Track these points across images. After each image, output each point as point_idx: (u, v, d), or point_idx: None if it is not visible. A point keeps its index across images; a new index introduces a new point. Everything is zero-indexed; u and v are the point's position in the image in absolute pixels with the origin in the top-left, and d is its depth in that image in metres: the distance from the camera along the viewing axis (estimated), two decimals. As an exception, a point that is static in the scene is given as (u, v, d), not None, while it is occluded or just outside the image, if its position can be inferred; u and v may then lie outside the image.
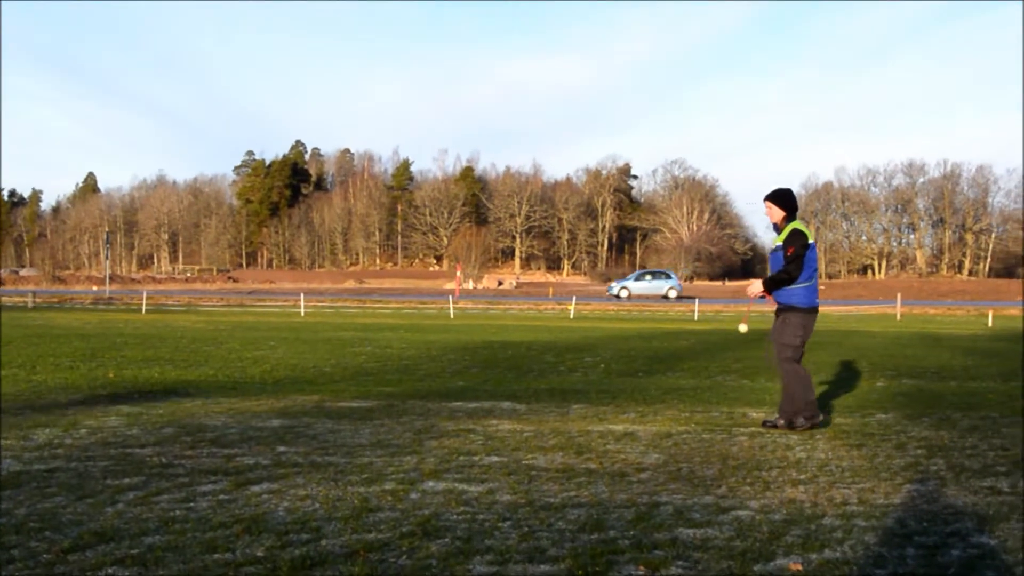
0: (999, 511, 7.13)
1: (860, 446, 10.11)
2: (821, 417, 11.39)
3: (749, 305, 13.25)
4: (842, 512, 7.09)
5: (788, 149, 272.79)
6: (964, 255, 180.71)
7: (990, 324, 47.30)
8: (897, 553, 6.03)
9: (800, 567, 5.72)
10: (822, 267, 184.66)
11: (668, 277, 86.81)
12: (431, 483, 7.94)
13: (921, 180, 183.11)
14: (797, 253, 10.92)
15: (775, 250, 11.30)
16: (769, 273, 11.32)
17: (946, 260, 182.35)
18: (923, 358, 22.71)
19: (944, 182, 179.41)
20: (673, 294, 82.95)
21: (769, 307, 11.66)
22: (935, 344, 28.97)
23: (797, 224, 11.14)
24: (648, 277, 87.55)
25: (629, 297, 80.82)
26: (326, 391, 14.87)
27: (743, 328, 12.47)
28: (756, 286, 11.25)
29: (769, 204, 11.40)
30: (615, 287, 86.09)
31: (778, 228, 11.35)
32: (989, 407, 13.48)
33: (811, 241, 11.13)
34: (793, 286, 11.06)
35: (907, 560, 5.88)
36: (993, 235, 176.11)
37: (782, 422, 11.26)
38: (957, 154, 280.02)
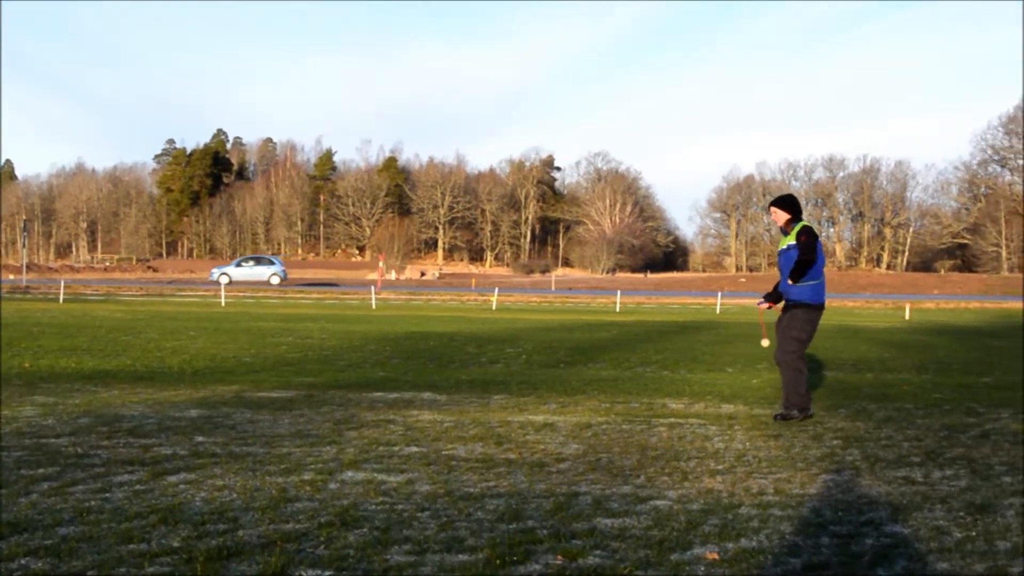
0: (912, 500, 7.22)
1: (777, 436, 10.20)
2: (812, 412, 11.63)
3: (762, 320, 13.58)
4: (759, 502, 7.15)
5: (710, 142, 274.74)
6: (882, 249, 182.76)
7: (907, 317, 47.95)
8: (812, 542, 6.09)
9: (716, 556, 5.76)
10: (742, 260, 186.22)
11: (271, 263, 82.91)
12: (350, 473, 7.91)
13: (841, 174, 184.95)
14: (810, 241, 11.25)
15: (785, 250, 11.65)
16: (779, 272, 11.84)
17: (865, 254, 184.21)
18: (841, 350, 22.95)
19: (863, 176, 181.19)
20: (276, 280, 79.11)
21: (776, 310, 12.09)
22: (853, 336, 29.28)
23: (805, 223, 11.48)
24: (251, 263, 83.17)
25: (231, 282, 75.37)
26: (246, 381, 14.78)
27: (765, 343, 12.63)
28: (764, 305, 12.12)
29: (774, 209, 11.78)
30: (215, 273, 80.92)
31: (785, 231, 11.70)
32: (904, 398, 13.66)
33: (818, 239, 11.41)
34: (802, 284, 11.37)
35: (822, 549, 5.94)
36: (911, 229, 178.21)
37: (795, 412, 11.44)
38: (877, 149, 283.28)
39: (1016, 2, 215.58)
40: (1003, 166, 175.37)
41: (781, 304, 11.92)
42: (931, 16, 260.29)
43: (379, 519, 6.46)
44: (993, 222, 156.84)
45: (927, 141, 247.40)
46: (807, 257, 11.21)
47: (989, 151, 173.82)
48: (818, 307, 11.52)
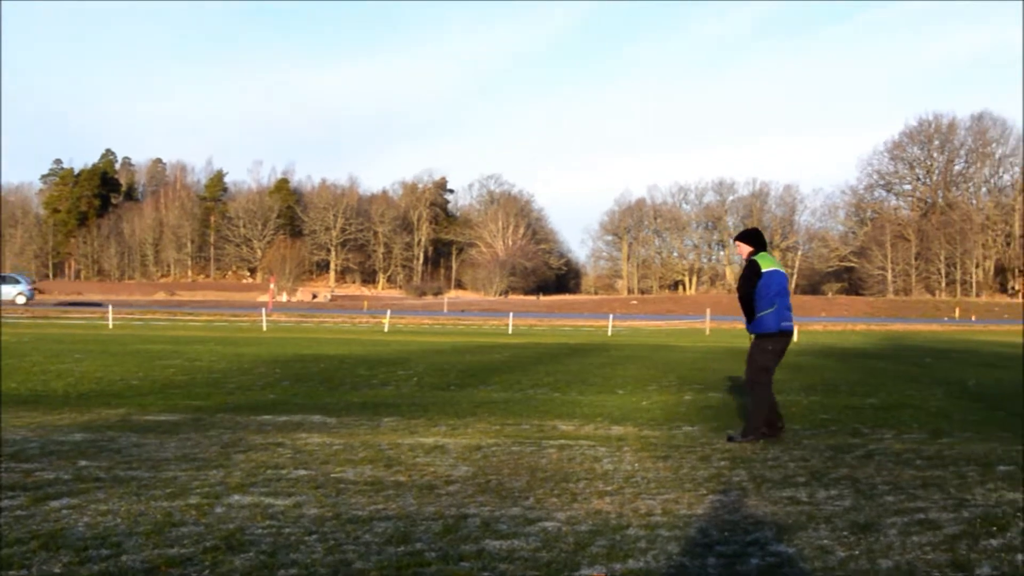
0: (797, 520, 7.31)
1: (666, 458, 10.27)
2: (763, 432, 11.74)
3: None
4: (647, 522, 7.19)
5: (602, 165, 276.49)
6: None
7: (795, 339, 48.49)
8: (698, 562, 6.13)
9: (604, 577, 5.78)
10: (634, 283, 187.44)
11: (17, 282, 79.59)
12: (237, 497, 7.82)
13: (731, 198, 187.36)
14: (744, 275, 11.79)
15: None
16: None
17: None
18: (730, 372, 23.16)
19: (753, 200, 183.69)
20: (21, 300, 75.86)
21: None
22: (742, 358, 29.50)
23: (757, 256, 11.81)
24: None
25: None
26: (132, 404, 14.58)
27: None
28: None
29: (738, 243, 12.21)
30: None
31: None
32: (791, 420, 13.79)
33: (768, 269, 11.70)
34: (760, 314, 11.69)
35: (708, 569, 5.99)
36: (799, 252, 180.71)
37: (738, 436, 11.65)
38: (765, 173, 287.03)
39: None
40: (888, 191, 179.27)
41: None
42: (820, 42, 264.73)
43: (265, 543, 6.39)
44: (879, 246, 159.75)
45: (814, 165, 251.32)
46: (738, 293, 11.84)
47: (875, 176, 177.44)
48: (777, 333, 11.78)
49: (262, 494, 7.95)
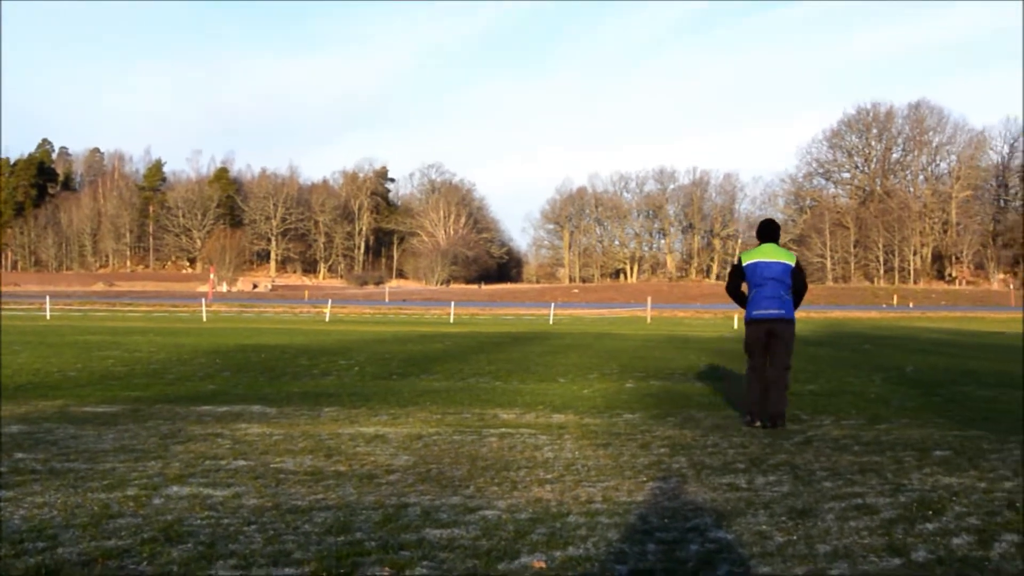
0: (736, 507, 7.34)
1: (607, 445, 10.29)
2: (757, 423, 11.89)
3: None
4: (587, 510, 7.20)
5: (543, 155, 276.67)
6: (712, 260, 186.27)
7: (736, 327, 48.78)
8: (638, 549, 6.14)
9: (543, 565, 5.78)
10: (576, 271, 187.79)
11: None
12: (175, 488, 7.77)
13: (671, 187, 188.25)
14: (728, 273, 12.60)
15: None
16: None
17: (695, 265, 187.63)
18: (671, 360, 23.28)
19: (693, 189, 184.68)
20: None
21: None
22: (683, 346, 29.73)
23: (749, 250, 12.51)
24: None
25: None
26: (70, 396, 14.44)
27: None
28: None
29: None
30: None
31: None
32: (731, 407, 13.91)
33: (748, 261, 12.24)
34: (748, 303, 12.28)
35: (647, 556, 6.00)
36: (740, 240, 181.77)
37: (747, 417, 12.07)
38: (705, 162, 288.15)
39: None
40: (827, 179, 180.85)
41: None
42: (759, 31, 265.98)
43: (204, 534, 6.35)
44: (818, 233, 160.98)
45: (753, 154, 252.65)
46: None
47: (814, 164, 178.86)
48: (749, 321, 12.25)
49: (201, 485, 7.90)
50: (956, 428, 11.70)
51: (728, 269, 12.67)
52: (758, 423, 11.85)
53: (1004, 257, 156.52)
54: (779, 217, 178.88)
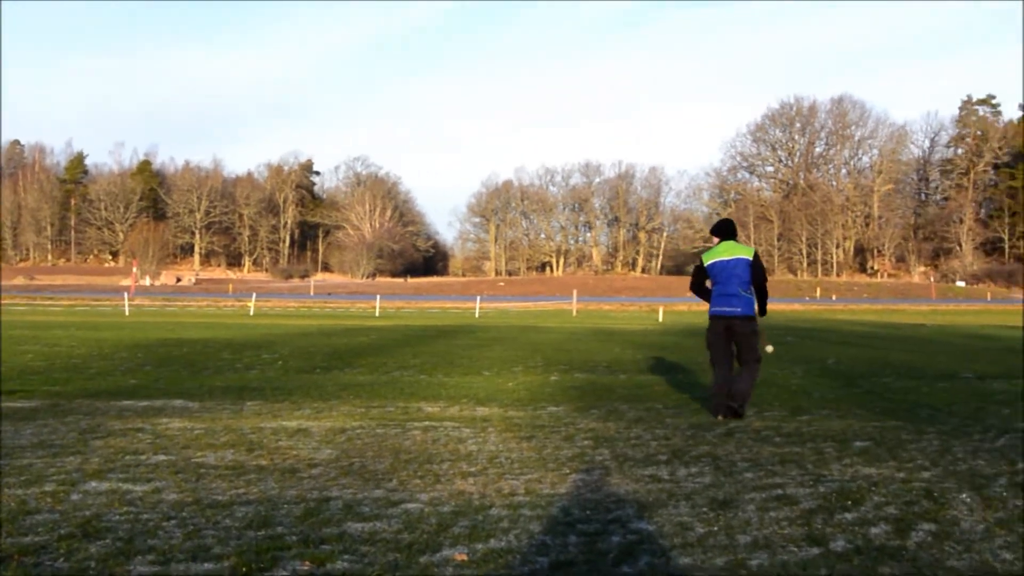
0: (658, 498, 7.38)
1: (530, 438, 10.31)
2: (719, 416, 12.04)
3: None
4: (509, 503, 7.21)
5: (469, 147, 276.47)
6: (638, 253, 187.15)
7: (660, 319, 49.06)
8: (560, 541, 6.16)
9: (465, 557, 5.78)
10: (502, 264, 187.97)
11: None
12: (94, 483, 7.68)
13: (597, 180, 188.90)
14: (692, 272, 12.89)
15: None
16: None
17: (621, 258, 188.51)
18: (596, 352, 23.37)
19: (619, 182, 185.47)
20: None
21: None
22: (608, 339, 29.85)
23: (709, 250, 12.71)
24: None
25: None
26: (-13, 391, 14.24)
27: (769, 349, 13.03)
28: None
29: (712, 236, 12.85)
30: None
31: None
32: (654, 399, 13.97)
33: (709, 261, 12.49)
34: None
35: (569, 547, 6.01)
36: (665, 234, 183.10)
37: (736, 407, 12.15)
38: (631, 155, 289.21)
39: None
40: (751, 172, 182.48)
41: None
42: (683, 26, 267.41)
43: (123, 529, 6.29)
44: (742, 227, 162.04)
45: (678, 147, 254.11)
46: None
47: (738, 158, 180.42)
48: (711, 317, 12.44)
49: (120, 480, 7.82)
50: (876, 419, 11.84)
51: (692, 269, 12.90)
52: (720, 416, 11.97)
53: (925, 250, 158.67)
54: (704, 211, 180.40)
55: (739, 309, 12.17)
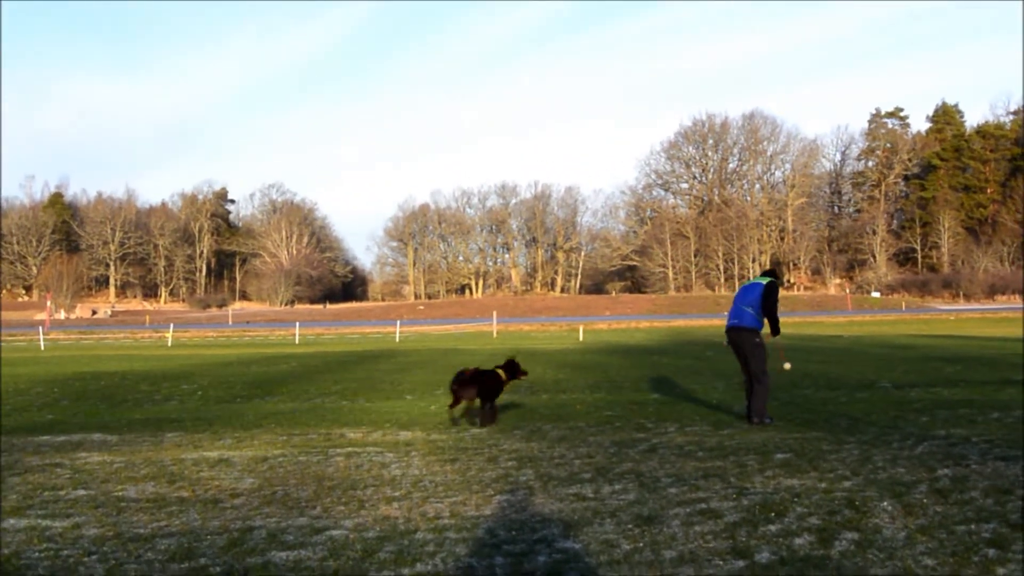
0: (583, 516, 7.39)
1: (454, 460, 10.29)
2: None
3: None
4: (435, 526, 7.19)
5: (384, 171, 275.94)
6: (556, 273, 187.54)
7: (580, 338, 49.17)
8: (486, 563, 6.16)
9: (392, 582, 5.76)
10: (421, 288, 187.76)
11: None
12: (12, 521, 7.57)
13: (514, 201, 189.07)
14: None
15: None
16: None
17: (540, 278, 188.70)
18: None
19: (535, 202, 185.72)
20: None
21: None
22: (529, 359, 29.80)
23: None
24: None
25: None
26: (-100, 431, 13.97)
27: (787, 366, 14.24)
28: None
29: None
30: None
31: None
32: (577, 417, 14.01)
33: (743, 285, 14.03)
34: None
35: (496, 569, 6.01)
36: (583, 253, 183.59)
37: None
38: (547, 176, 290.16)
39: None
40: (667, 190, 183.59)
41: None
42: (594, 44, 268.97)
43: (43, 566, 6.21)
44: (659, 244, 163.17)
45: (594, 165, 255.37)
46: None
47: (653, 175, 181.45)
48: (727, 330, 14.01)
49: (39, 516, 7.72)
50: (796, 430, 11.96)
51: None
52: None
53: (839, 262, 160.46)
54: (620, 229, 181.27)
55: (736, 320, 13.74)
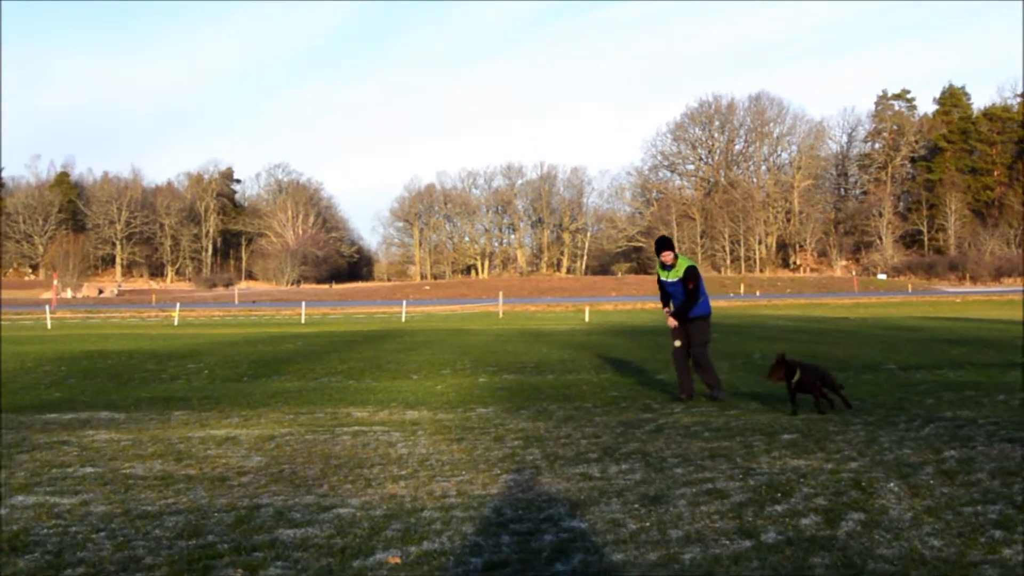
0: (590, 496, 7.41)
1: (460, 440, 10.31)
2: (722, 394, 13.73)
3: (674, 330, 14.30)
4: (441, 504, 7.21)
5: (390, 151, 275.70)
6: (562, 253, 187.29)
7: (587, 319, 49.17)
8: (493, 541, 6.17)
9: (399, 560, 5.77)
10: (427, 268, 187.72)
11: None
12: (20, 498, 7.60)
13: (519, 181, 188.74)
14: (696, 283, 13.93)
15: (674, 282, 14.10)
16: (665, 295, 14.39)
17: (545, 259, 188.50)
18: (524, 353, 23.40)
19: (541, 183, 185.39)
20: None
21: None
22: (535, 340, 29.89)
23: (685, 261, 14.17)
24: None
25: None
26: (-92, 408, 14.01)
27: (677, 343, 14.06)
28: (672, 321, 14.19)
29: (666, 252, 14.13)
30: None
31: (669, 266, 14.13)
32: (583, 398, 14.02)
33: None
34: (701, 300, 14.01)
35: (502, 547, 6.03)
36: (589, 234, 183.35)
37: (720, 392, 13.69)
38: (553, 156, 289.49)
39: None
40: (673, 171, 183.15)
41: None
42: (601, 25, 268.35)
43: (51, 543, 6.23)
44: (665, 225, 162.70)
45: (600, 148, 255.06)
46: (696, 299, 13.90)
47: (659, 157, 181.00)
48: (708, 315, 14.18)
49: (47, 493, 7.75)
50: (802, 411, 11.93)
51: (694, 274, 14.11)
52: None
53: (845, 244, 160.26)
54: (626, 210, 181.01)
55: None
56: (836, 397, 12.25)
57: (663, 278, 14.26)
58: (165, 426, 11.78)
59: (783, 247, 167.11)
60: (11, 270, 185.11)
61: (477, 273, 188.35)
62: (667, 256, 14.08)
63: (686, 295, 13.87)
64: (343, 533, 6.40)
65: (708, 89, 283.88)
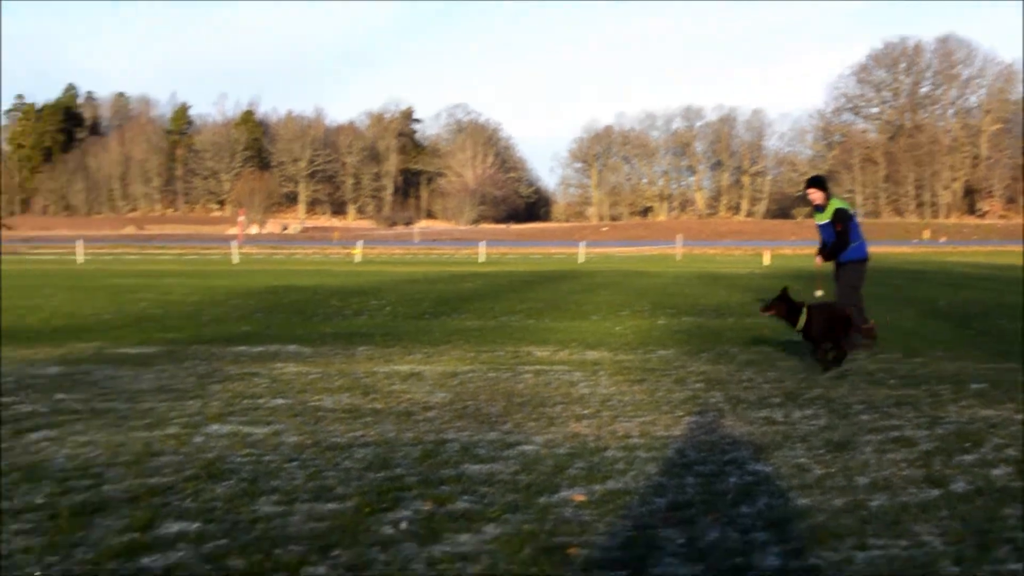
0: (773, 440, 7.36)
1: (642, 381, 10.31)
2: (874, 334, 13.57)
3: (819, 274, 14.48)
4: (624, 444, 7.23)
5: (569, 93, 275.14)
6: (741, 197, 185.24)
7: (766, 263, 48.65)
8: (677, 482, 6.18)
9: (584, 498, 5.81)
10: (604, 210, 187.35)
11: None
12: (215, 427, 7.83)
13: (699, 123, 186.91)
14: (845, 228, 13.58)
15: (824, 225, 13.88)
16: (821, 240, 14.09)
17: (724, 202, 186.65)
18: (702, 296, 23.26)
19: (721, 125, 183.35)
20: None
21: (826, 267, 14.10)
22: (714, 283, 29.68)
23: (837, 203, 13.85)
24: None
25: None
26: (106, 338, 14.50)
27: (819, 293, 13.91)
28: (819, 260, 14.05)
29: (812, 190, 13.98)
30: None
31: (821, 207, 13.89)
32: (764, 342, 13.89)
33: (852, 212, 13.96)
34: (854, 244, 13.66)
35: (686, 488, 6.03)
36: (769, 177, 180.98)
37: (864, 340, 13.19)
38: (733, 99, 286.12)
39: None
40: (856, 114, 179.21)
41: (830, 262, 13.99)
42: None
43: (246, 471, 6.41)
44: (847, 169, 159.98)
45: (782, 90, 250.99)
46: (845, 245, 13.58)
47: (842, 99, 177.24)
48: (865, 260, 13.93)
49: (240, 423, 7.97)
50: (991, 361, 11.68)
51: (845, 218, 13.68)
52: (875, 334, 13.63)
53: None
54: (808, 154, 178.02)
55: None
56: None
57: (816, 220, 14.12)
58: (350, 360, 12.00)
59: (969, 193, 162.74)
60: (198, 206, 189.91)
61: (655, 215, 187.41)
62: (813, 194, 13.90)
63: (836, 237, 13.61)
64: (528, 470, 6.47)
65: (892, 31, 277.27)
